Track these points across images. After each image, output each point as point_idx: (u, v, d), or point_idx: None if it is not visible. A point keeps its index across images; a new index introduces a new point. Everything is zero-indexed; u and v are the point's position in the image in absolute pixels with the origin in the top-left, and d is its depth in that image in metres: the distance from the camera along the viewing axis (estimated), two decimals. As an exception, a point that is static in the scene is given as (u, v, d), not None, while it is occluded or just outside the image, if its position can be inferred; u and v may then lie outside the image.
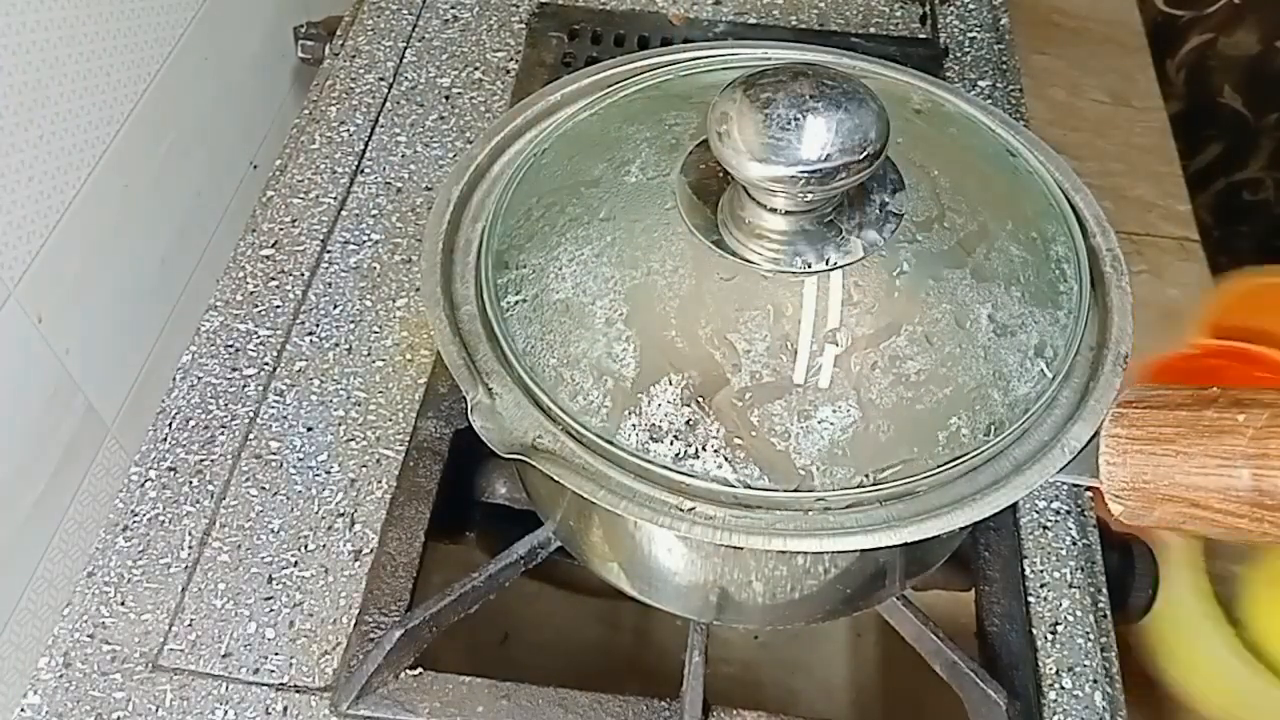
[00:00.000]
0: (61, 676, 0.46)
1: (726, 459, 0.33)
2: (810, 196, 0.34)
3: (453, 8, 0.76)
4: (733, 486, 0.33)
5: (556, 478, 0.34)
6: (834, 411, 0.34)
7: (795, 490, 0.33)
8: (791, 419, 0.33)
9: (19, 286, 0.52)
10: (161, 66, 0.64)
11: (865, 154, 0.32)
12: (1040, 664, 0.48)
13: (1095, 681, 0.47)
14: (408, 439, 0.53)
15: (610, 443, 0.34)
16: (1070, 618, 0.49)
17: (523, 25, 0.75)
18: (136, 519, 0.51)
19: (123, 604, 0.48)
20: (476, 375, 0.36)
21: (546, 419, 0.35)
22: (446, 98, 0.70)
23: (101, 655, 0.46)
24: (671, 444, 0.34)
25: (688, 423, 0.34)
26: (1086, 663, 0.48)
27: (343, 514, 0.51)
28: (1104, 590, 0.50)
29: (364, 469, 0.52)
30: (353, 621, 0.47)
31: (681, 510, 0.33)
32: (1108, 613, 0.50)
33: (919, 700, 0.53)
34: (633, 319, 0.35)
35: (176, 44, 0.65)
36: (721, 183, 0.37)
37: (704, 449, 0.33)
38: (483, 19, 0.75)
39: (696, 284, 0.35)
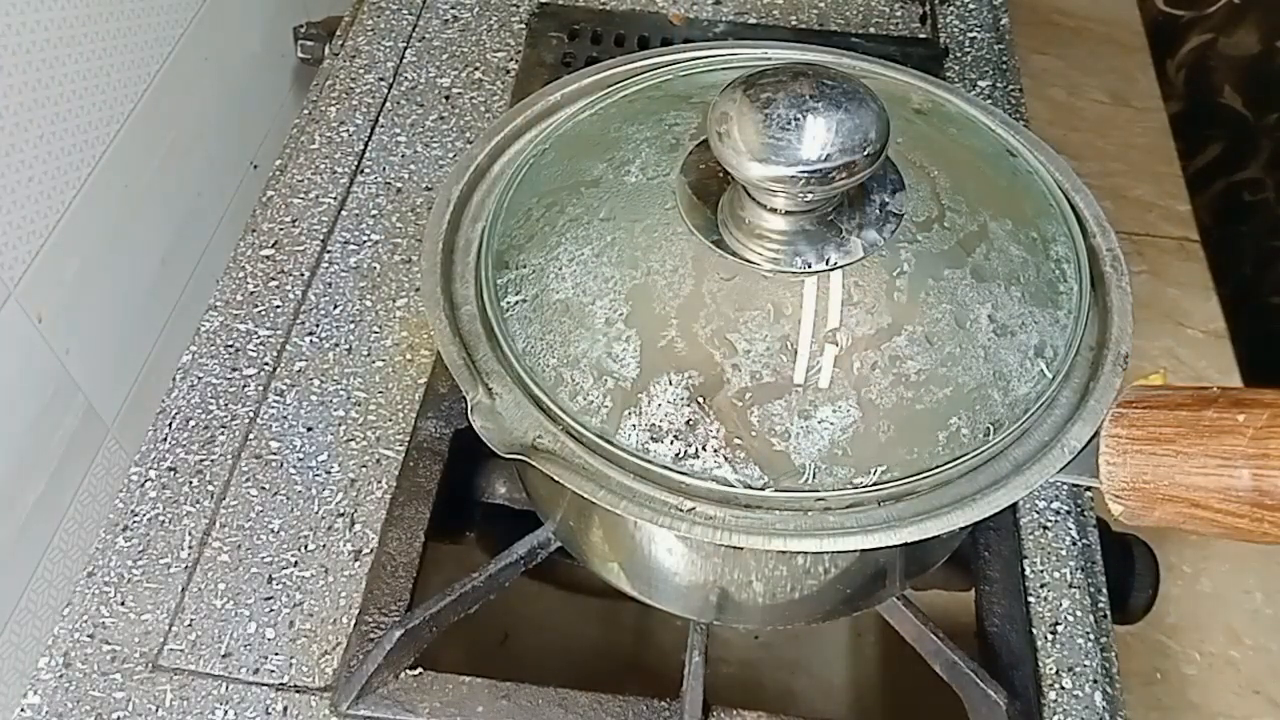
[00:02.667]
0: (61, 676, 0.46)
1: (726, 459, 0.33)
2: (810, 196, 0.34)
3: (453, 8, 0.76)
4: (733, 486, 0.33)
5: (556, 478, 0.34)
6: (834, 411, 0.34)
7: (795, 490, 0.33)
8: (791, 419, 0.33)
9: (19, 286, 0.52)
10: (161, 66, 0.64)
11: (865, 154, 0.32)
12: (1040, 664, 0.47)
13: (1095, 681, 0.47)
14: (408, 439, 0.53)
15: (610, 443, 0.34)
16: (1070, 618, 0.49)
17: (523, 25, 0.75)
18: (136, 519, 0.51)
19: (123, 604, 0.48)
20: (476, 375, 0.36)
21: (546, 419, 0.35)
22: (446, 98, 0.70)
23: (101, 655, 0.46)
24: (671, 444, 0.34)
25: (688, 423, 0.34)
26: (1086, 663, 0.48)
27: (343, 514, 0.51)
28: (1104, 590, 0.50)
29: (364, 469, 0.52)
30: (353, 621, 0.47)
31: (681, 510, 0.33)
32: (1108, 613, 0.50)
33: (919, 700, 0.53)
34: (633, 319, 0.35)
35: (176, 44, 0.65)
36: (721, 183, 0.37)
37: (704, 449, 0.33)
38: (483, 19, 0.75)
39: (696, 284, 0.35)
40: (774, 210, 0.35)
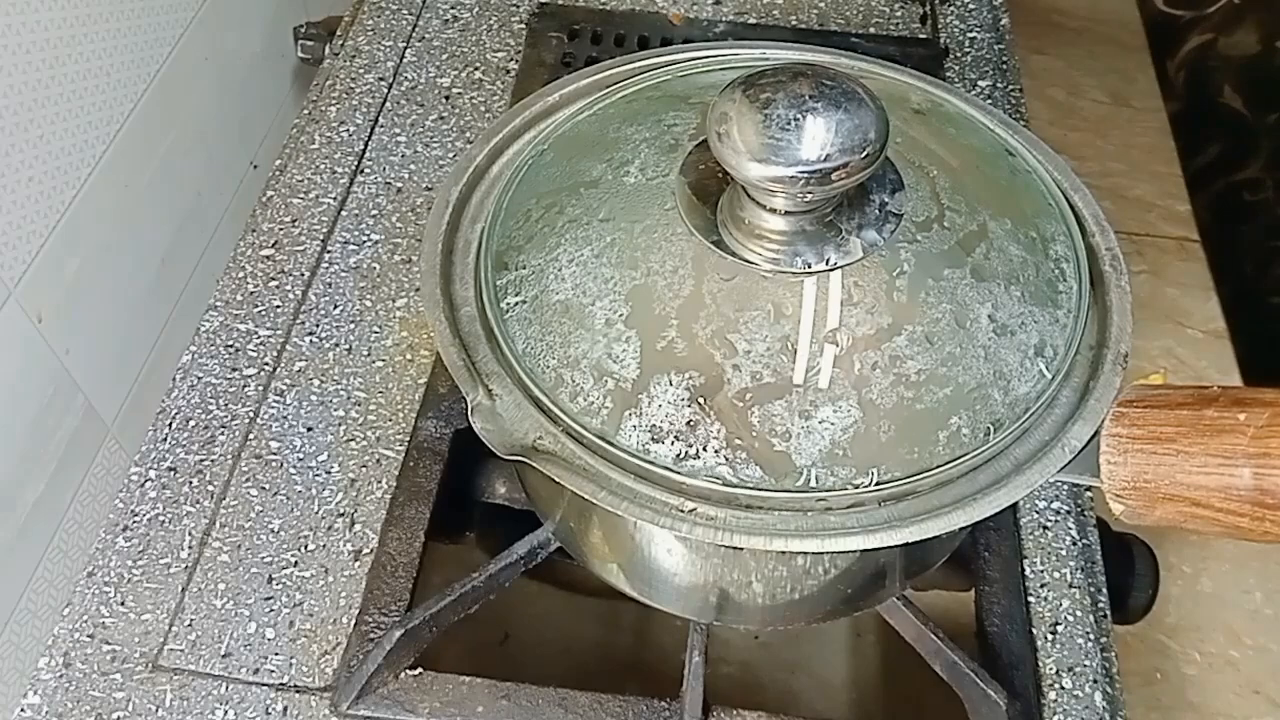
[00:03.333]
0: (61, 676, 0.46)
1: (727, 459, 0.33)
2: (810, 197, 0.34)
3: (453, 8, 0.76)
4: (734, 487, 0.33)
5: (557, 479, 0.34)
6: (834, 412, 0.34)
7: (796, 490, 0.33)
8: (792, 419, 0.33)
9: (19, 286, 0.52)
10: (161, 66, 0.64)
11: (865, 154, 0.32)
12: (1040, 664, 0.47)
13: (1095, 681, 0.47)
14: (408, 439, 0.53)
15: (610, 444, 0.34)
16: (1070, 618, 0.49)
17: (523, 25, 0.75)
18: (136, 519, 0.51)
19: (123, 604, 0.48)
20: (476, 377, 0.36)
21: (547, 420, 0.35)
22: (446, 98, 0.70)
23: (101, 655, 0.46)
24: (672, 444, 0.34)
25: (688, 423, 0.34)
26: (1086, 663, 0.48)
27: (343, 514, 0.51)
28: (1104, 590, 0.50)
29: (364, 469, 0.52)
30: (353, 621, 0.47)
31: (683, 511, 0.33)
32: (1108, 613, 0.50)
33: (919, 700, 0.53)
34: (633, 320, 0.35)
35: (176, 44, 0.65)
36: (721, 183, 0.37)
37: (705, 449, 0.33)
38: (483, 19, 0.75)
39: (696, 284, 0.35)
40: (773, 210, 0.35)
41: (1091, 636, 0.48)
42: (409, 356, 0.57)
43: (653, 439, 0.34)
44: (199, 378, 0.55)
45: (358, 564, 0.49)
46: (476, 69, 0.72)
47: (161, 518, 0.51)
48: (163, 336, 0.67)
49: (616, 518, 0.36)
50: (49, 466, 0.56)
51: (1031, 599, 0.49)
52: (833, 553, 0.40)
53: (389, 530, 0.50)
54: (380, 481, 0.52)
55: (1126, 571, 0.52)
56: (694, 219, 0.36)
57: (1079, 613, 0.49)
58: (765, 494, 0.33)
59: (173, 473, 0.52)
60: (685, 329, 0.35)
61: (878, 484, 0.33)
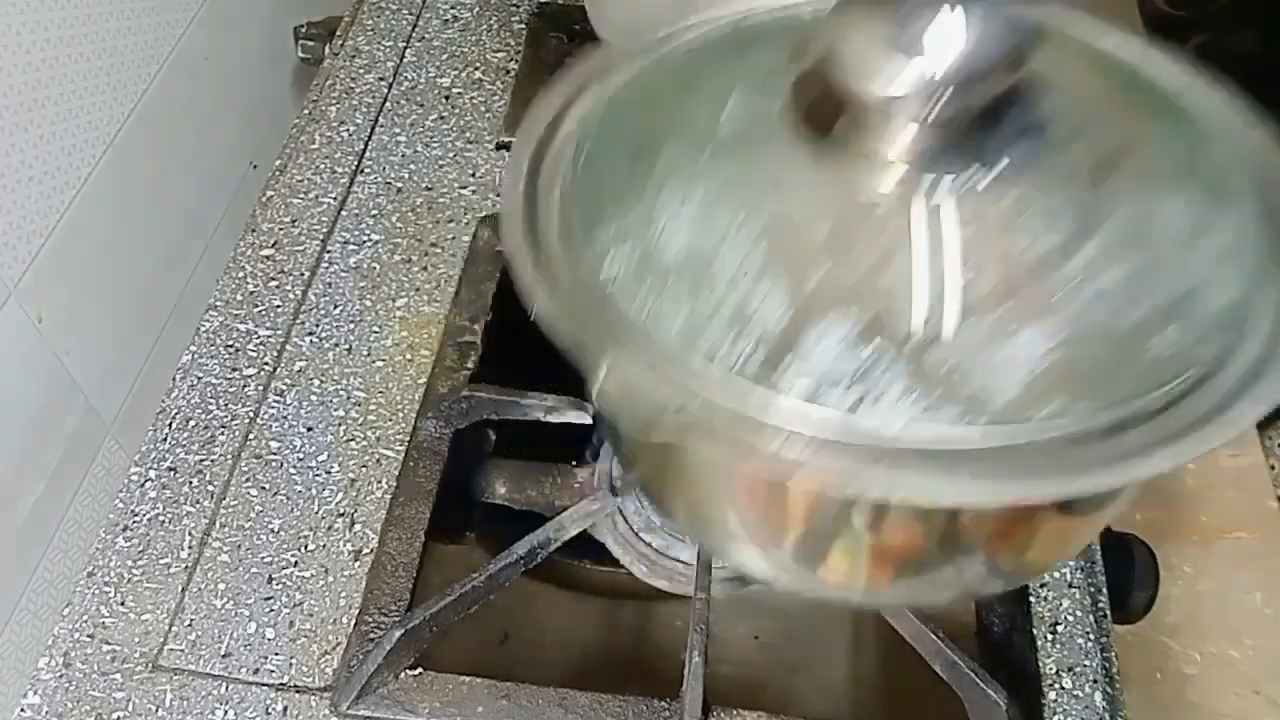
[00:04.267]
0: (61, 676, 0.46)
1: (916, 403, 0.28)
2: (949, 110, 0.29)
3: (453, 8, 0.76)
4: (929, 433, 0.28)
5: (720, 456, 0.30)
6: (1026, 340, 0.29)
7: (1003, 427, 0.28)
8: (978, 353, 0.29)
9: (19, 286, 0.52)
10: (161, 66, 0.64)
11: (1008, 58, 0.29)
12: (1040, 664, 0.47)
13: (1095, 681, 0.47)
14: (408, 439, 0.53)
15: (771, 401, 0.29)
16: (1070, 618, 0.49)
17: (523, 25, 0.75)
18: (136, 519, 0.51)
19: (123, 604, 0.48)
20: (597, 355, 0.31)
21: (688, 386, 0.30)
22: (446, 98, 0.70)
23: (101, 655, 0.46)
24: (846, 392, 0.29)
25: (862, 368, 0.29)
26: (1086, 663, 0.48)
27: (343, 514, 0.51)
28: (1104, 590, 0.50)
29: (364, 469, 0.52)
30: (353, 621, 0.47)
31: (886, 476, 0.28)
32: (1108, 613, 0.50)
33: (919, 700, 0.53)
34: (770, 263, 0.31)
35: (176, 44, 0.65)
36: (837, 109, 0.32)
37: (885, 394, 0.28)
38: (483, 19, 0.75)
39: (837, 219, 0.31)
40: (907, 131, 0.31)
41: (1091, 636, 0.48)
42: (409, 356, 0.57)
43: (820, 388, 0.28)
44: (199, 378, 0.55)
45: (358, 564, 0.49)
46: (476, 69, 0.72)
47: (161, 518, 0.51)
48: (163, 336, 0.67)
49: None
50: (49, 466, 0.57)
51: (1031, 599, 0.49)
52: (1068, 497, 0.32)
53: (389, 530, 0.50)
54: (380, 481, 0.52)
55: (1126, 571, 0.52)
56: (817, 151, 0.32)
57: (1079, 613, 0.49)
58: (968, 438, 0.28)
59: (173, 473, 0.52)
60: (834, 268, 0.30)
61: (1092, 413, 0.28)
